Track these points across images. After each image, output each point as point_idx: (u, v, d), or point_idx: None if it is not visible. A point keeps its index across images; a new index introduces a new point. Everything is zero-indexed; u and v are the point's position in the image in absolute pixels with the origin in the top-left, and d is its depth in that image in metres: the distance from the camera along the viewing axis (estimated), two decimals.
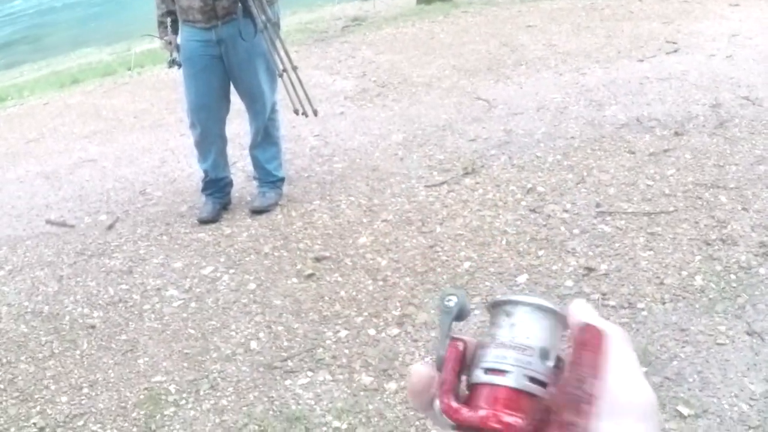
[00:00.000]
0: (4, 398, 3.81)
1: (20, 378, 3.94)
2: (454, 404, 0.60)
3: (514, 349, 0.61)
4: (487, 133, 6.04)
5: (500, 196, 4.92)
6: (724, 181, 4.77)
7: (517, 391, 0.59)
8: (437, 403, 0.61)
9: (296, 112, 5.28)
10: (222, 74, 4.99)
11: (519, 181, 5.10)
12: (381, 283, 4.18)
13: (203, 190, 5.36)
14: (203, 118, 5.10)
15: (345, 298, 4.10)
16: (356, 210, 5.06)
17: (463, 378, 0.63)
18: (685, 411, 3.03)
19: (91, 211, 5.82)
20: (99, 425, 3.49)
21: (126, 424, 3.46)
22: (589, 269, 4.01)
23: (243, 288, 4.36)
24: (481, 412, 0.58)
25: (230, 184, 5.44)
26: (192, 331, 4.04)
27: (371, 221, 4.87)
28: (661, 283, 3.83)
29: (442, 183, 5.24)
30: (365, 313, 3.94)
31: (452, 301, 0.64)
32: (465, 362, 0.63)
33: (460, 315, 0.64)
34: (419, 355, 3.57)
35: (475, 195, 5.00)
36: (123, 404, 3.59)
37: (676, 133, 5.53)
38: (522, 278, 4.01)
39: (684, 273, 3.90)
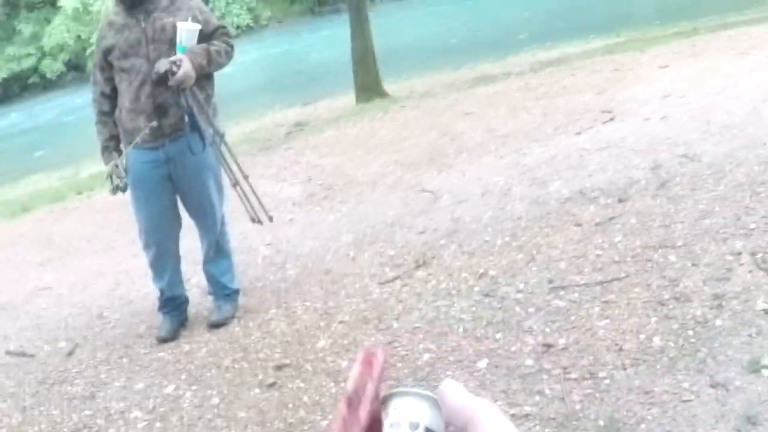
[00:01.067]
0: None
1: None
2: None
3: None
4: (435, 224, 6.11)
5: (453, 285, 4.97)
6: (672, 240, 4.83)
7: None
8: None
9: (252, 220, 5.35)
10: (171, 193, 5.03)
11: (470, 267, 5.15)
12: (343, 384, 4.16)
13: (160, 308, 5.36)
14: (158, 239, 5.12)
15: (308, 403, 4.09)
16: (312, 314, 5.07)
17: None
18: None
19: (50, 339, 5.78)
20: None
21: None
22: (548, 345, 4.04)
23: (206, 403, 4.33)
24: None
25: (186, 301, 5.44)
26: None
27: (328, 324, 4.88)
28: (621, 349, 3.86)
29: (395, 278, 5.28)
30: (330, 416, 3.92)
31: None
32: None
33: None
34: None
35: (429, 286, 5.04)
36: None
37: (620, 200, 5.62)
38: (482, 363, 4.03)
39: (642, 336, 3.93)
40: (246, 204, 5.26)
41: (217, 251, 5.28)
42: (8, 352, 5.73)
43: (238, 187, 5.20)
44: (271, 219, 5.46)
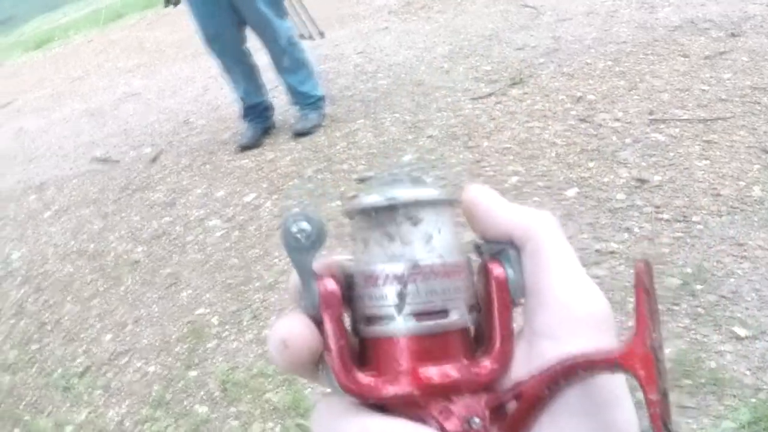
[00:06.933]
0: (51, 339, 3.82)
1: (66, 318, 3.95)
2: (366, 380, 0.43)
3: (445, 275, 0.44)
4: (534, 41, 5.84)
5: (549, 107, 4.73)
6: None
7: (464, 330, 0.46)
8: (331, 373, 0.44)
9: (302, 36, 5.20)
10: (225, 3, 4.88)
11: (568, 90, 4.90)
12: None
13: (243, 116, 5.29)
14: (217, 49, 5.08)
15: None
16: (401, 127, 4.91)
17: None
18: (742, 332, 2.84)
19: (135, 145, 5.79)
20: (143, 361, 3.47)
21: (169, 359, 3.43)
22: (642, 180, 3.81)
23: (285, 213, 4.26)
24: (429, 373, 0.43)
25: (270, 107, 5.34)
26: (235, 261, 3.97)
27: (416, 138, 4.72)
28: (718, 195, 3.60)
29: (489, 95, 5.06)
30: None
31: (304, 231, 0.44)
32: (347, 302, 0.46)
33: (319, 245, 0.44)
34: None
35: (523, 106, 4.82)
36: (166, 339, 3.55)
37: (732, 35, 5.24)
38: (571, 191, 3.84)
39: (741, 183, 3.65)
40: (294, 18, 5.12)
41: (292, 62, 5.12)
42: (94, 159, 5.75)
43: (287, 2, 5.08)
44: (322, 35, 5.30)
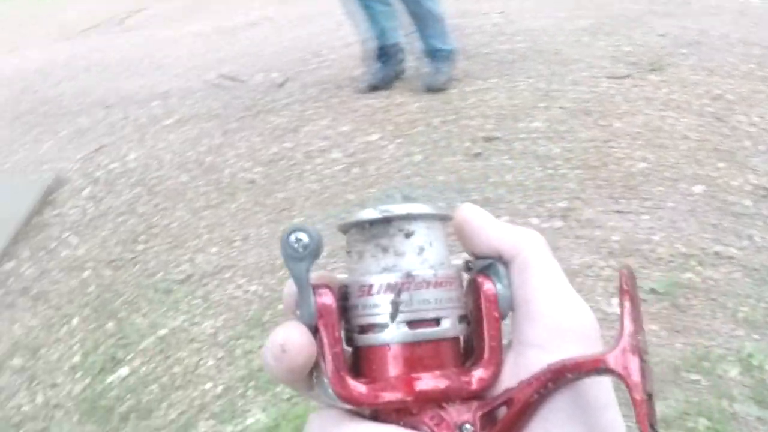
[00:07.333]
0: (158, 242, 3.90)
1: (175, 224, 4.03)
2: (359, 387, 0.45)
3: (437, 286, 0.47)
4: (678, 30, 5.71)
5: (686, 99, 4.64)
6: None
7: (455, 339, 0.48)
8: (325, 381, 0.45)
9: None
10: None
11: (707, 85, 4.78)
12: (550, 171, 4.01)
13: (377, 56, 5.27)
14: None
15: (511, 182, 3.95)
16: (534, 93, 4.86)
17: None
18: None
19: (263, 68, 5.84)
20: (245, 279, 3.52)
21: (272, 281, 3.47)
22: None
23: (407, 159, 4.27)
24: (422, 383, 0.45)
25: (402, 51, 5.33)
26: (350, 197, 3.99)
27: (548, 106, 4.67)
28: None
29: (627, 76, 4.97)
30: (529, 201, 3.77)
31: (302, 242, 0.46)
32: (342, 313, 0.48)
33: (315, 256, 0.47)
34: (578, 253, 3.39)
35: (660, 93, 4.72)
36: (272, 261, 3.60)
37: None
38: (698, 188, 3.76)
39: None
40: None
41: (425, 16, 5.07)
42: (221, 75, 5.82)
43: None
44: None
